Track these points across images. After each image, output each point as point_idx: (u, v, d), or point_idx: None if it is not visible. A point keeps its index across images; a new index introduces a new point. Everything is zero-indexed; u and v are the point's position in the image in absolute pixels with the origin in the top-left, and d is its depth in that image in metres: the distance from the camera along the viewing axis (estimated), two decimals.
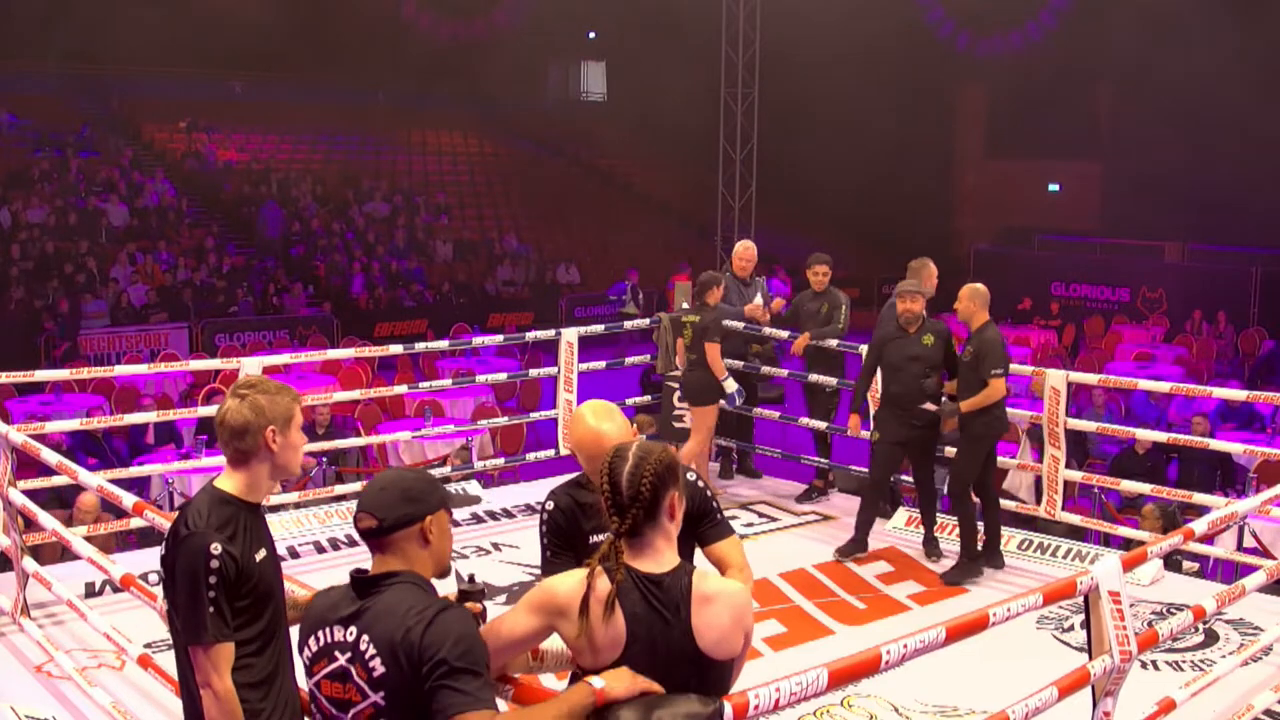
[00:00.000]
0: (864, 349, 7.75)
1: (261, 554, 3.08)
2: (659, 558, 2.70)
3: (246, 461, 3.10)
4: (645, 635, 2.61)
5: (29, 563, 5.60)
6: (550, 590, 2.65)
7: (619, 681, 2.53)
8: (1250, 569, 5.57)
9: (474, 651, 2.53)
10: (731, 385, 7.73)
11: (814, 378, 8.15)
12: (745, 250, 8.72)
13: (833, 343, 8.07)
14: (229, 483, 3.12)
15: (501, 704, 2.79)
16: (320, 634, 2.67)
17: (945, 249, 25.51)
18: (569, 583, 2.66)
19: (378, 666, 2.55)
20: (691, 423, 7.98)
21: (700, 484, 3.41)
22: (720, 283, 7.93)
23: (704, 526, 3.37)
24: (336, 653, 2.63)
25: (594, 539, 3.30)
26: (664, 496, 2.69)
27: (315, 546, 7.13)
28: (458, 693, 2.47)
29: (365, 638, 2.58)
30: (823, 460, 8.37)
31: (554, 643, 2.79)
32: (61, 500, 7.90)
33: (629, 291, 20.34)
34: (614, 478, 2.68)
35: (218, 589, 2.95)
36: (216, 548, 2.96)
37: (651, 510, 2.67)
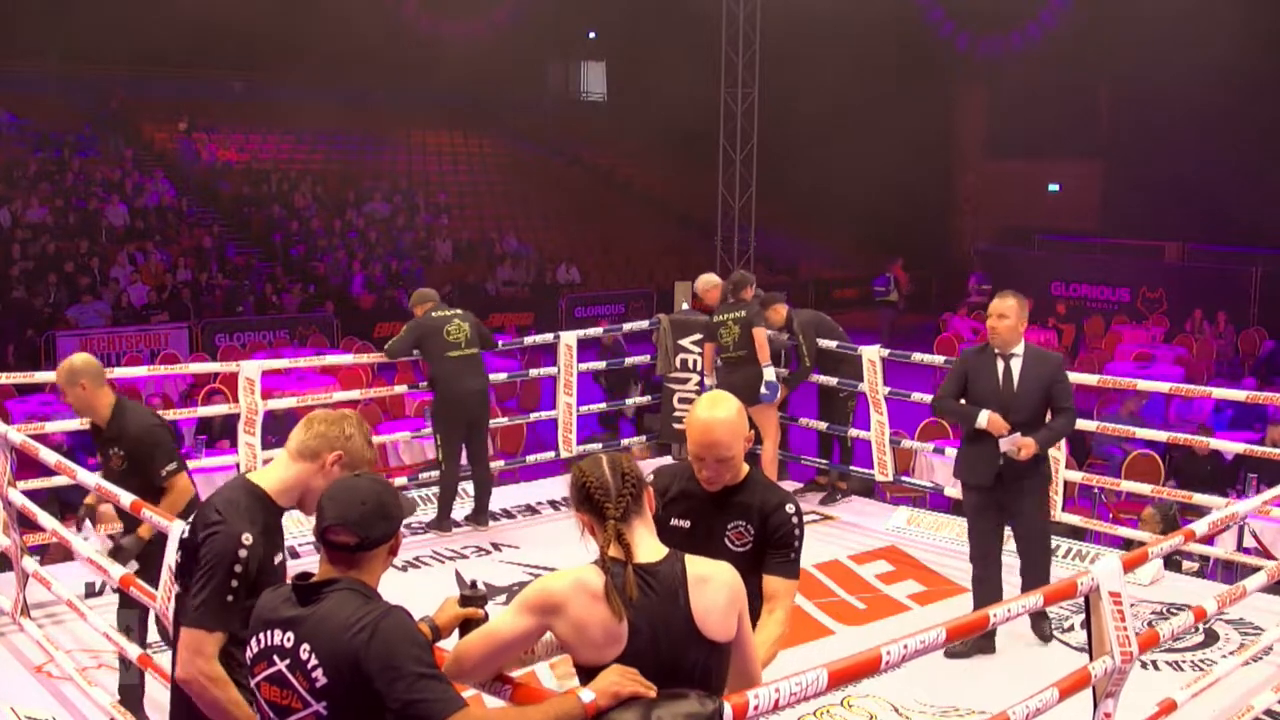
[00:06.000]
0: (865, 349, 7.76)
1: (279, 558, 3.08)
2: (649, 547, 2.73)
3: (304, 459, 3.08)
4: (647, 626, 2.63)
5: (29, 563, 5.60)
6: (545, 589, 2.66)
7: (606, 693, 2.53)
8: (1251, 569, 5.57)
9: (425, 654, 2.52)
10: (771, 373, 7.65)
11: (834, 382, 8.07)
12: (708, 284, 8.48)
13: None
14: (269, 479, 3.10)
15: (497, 702, 2.79)
16: (261, 635, 2.62)
17: (945, 249, 25.63)
18: (563, 581, 2.67)
19: (320, 677, 2.50)
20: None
21: (795, 520, 3.40)
22: (752, 282, 7.92)
23: (775, 556, 3.37)
24: (275, 657, 2.58)
25: (673, 522, 3.39)
26: (643, 485, 2.80)
27: (315, 547, 7.09)
28: (429, 701, 2.45)
29: (305, 646, 2.53)
30: (842, 465, 8.25)
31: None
32: (63, 502, 7.88)
33: (892, 282, 20.28)
34: (598, 474, 2.76)
35: (240, 579, 2.95)
36: (248, 538, 2.97)
37: (638, 495, 2.75)
